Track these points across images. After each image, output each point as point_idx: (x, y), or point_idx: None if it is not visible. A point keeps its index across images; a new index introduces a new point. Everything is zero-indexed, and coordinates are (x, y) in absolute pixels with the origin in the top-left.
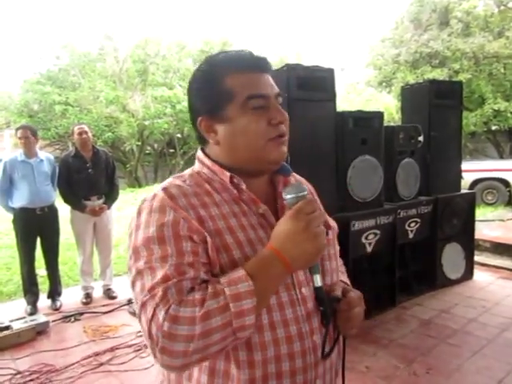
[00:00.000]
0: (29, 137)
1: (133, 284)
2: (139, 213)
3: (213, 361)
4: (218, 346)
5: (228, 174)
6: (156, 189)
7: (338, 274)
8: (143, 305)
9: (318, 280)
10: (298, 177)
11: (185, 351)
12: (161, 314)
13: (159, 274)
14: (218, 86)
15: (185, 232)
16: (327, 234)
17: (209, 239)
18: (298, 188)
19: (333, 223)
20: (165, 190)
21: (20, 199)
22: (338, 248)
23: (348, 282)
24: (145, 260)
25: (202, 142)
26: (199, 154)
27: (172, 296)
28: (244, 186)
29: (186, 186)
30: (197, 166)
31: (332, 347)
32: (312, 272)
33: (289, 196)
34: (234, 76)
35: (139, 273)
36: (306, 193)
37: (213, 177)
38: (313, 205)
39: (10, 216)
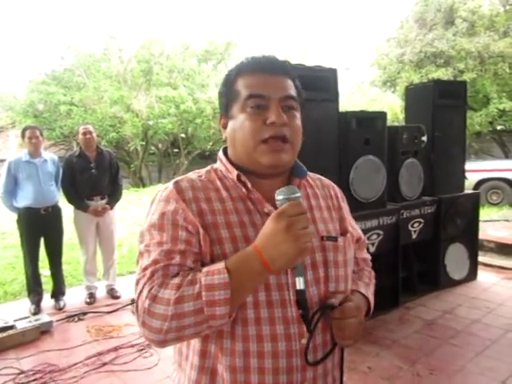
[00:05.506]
0: (38, 137)
1: (137, 262)
2: (152, 201)
3: (205, 344)
4: (192, 330)
5: (235, 172)
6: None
7: (349, 284)
8: (137, 281)
9: (300, 283)
10: (325, 180)
11: (160, 328)
12: (145, 292)
13: (152, 257)
14: (231, 86)
15: (182, 222)
16: (335, 239)
17: (201, 231)
18: (290, 190)
19: (353, 231)
20: (176, 183)
21: (24, 199)
22: (351, 256)
23: (366, 293)
24: (146, 243)
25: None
26: (220, 152)
27: (157, 278)
28: (249, 185)
29: (198, 181)
30: (217, 164)
31: (326, 355)
32: (294, 274)
33: (279, 197)
34: (243, 77)
35: (141, 253)
36: (298, 195)
37: (226, 174)
38: (298, 208)
39: (15, 216)
